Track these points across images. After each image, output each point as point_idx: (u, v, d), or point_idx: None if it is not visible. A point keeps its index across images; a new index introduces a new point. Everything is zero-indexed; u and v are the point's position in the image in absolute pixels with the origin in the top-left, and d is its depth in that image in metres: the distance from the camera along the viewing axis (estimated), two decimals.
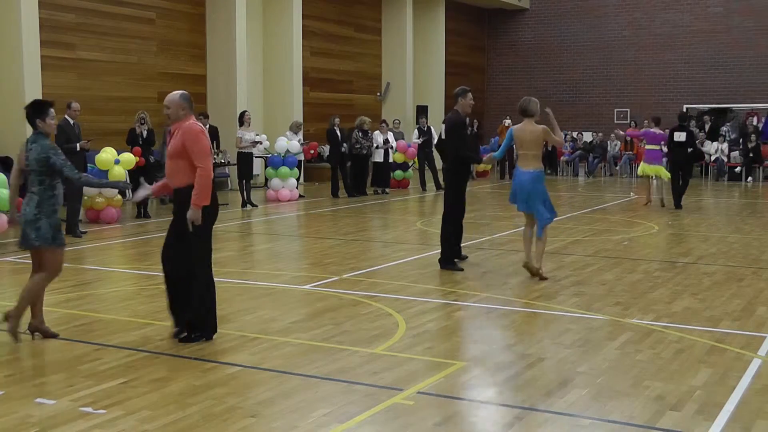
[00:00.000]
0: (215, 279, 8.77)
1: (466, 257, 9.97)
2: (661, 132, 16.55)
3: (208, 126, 16.48)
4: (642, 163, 16.84)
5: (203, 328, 6.30)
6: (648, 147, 16.67)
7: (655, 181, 17.08)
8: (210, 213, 6.22)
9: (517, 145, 9.00)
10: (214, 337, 6.33)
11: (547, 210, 8.89)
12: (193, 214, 6.06)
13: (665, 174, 16.27)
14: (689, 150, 16.21)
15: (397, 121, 21.05)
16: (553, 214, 8.97)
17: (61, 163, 6.19)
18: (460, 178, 9.73)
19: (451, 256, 9.60)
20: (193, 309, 6.27)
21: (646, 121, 17.42)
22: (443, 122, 9.86)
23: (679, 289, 8.32)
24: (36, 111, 6.31)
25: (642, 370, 5.59)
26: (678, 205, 15.98)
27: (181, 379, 5.34)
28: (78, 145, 12.08)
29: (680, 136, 15.99)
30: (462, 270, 9.42)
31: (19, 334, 6.19)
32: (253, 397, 5.05)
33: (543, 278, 8.78)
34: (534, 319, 7.13)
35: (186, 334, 6.28)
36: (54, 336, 6.39)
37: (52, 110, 6.37)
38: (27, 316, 6.34)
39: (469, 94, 9.58)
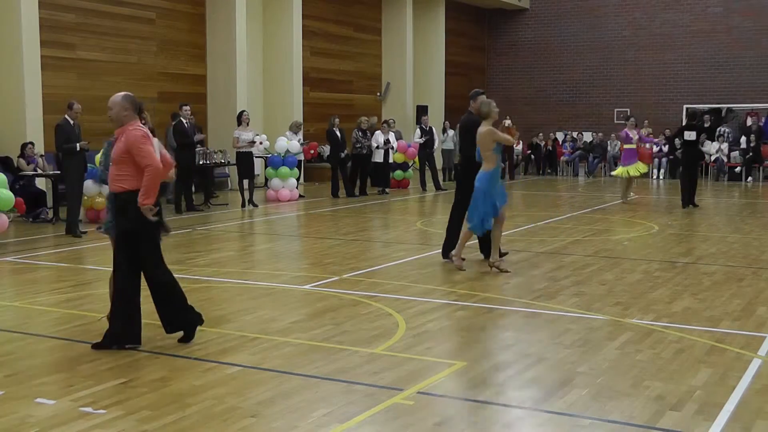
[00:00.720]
0: (216, 279, 8.82)
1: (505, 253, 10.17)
2: (634, 130, 17.32)
3: (188, 122, 16.03)
4: (621, 165, 17.47)
5: (190, 322, 6.23)
6: (625, 146, 17.29)
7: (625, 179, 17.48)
8: (153, 225, 6.08)
9: None
10: (215, 336, 6.33)
11: (477, 216, 9.00)
12: (146, 211, 5.93)
13: (634, 171, 17.11)
14: (701, 136, 16.87)
15: (392, 121, 21.03)
16: (478, 225, 9.03)
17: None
18: (471, 176, 9.92)
19: (451, 249, 9.87)
20: (172, 309, 6.20)
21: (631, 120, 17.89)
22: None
23: (679, 289, 8.32)
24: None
25: (642, 370, 5.59)
26: (691, 204, 16.11)
27: (181, 379, 5.34)
28: (78, 145, 12.08)
29: (690, 135, 16.13)
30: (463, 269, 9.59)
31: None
32: (253, 397, 5.05)
33: (460, 269, 9.15)
34: (534, 319, 7.12)
35: (182, 336, 6.23)
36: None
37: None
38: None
39: (481, 97, 9.90)
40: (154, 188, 5.96)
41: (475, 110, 9.81)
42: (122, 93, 6.21)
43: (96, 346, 6.07)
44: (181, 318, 6.24)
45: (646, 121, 27.04)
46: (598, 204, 17.12)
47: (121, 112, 6.09)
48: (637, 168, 17.01)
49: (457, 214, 9.98)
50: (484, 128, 9.10)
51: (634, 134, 17.10)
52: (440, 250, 10.23)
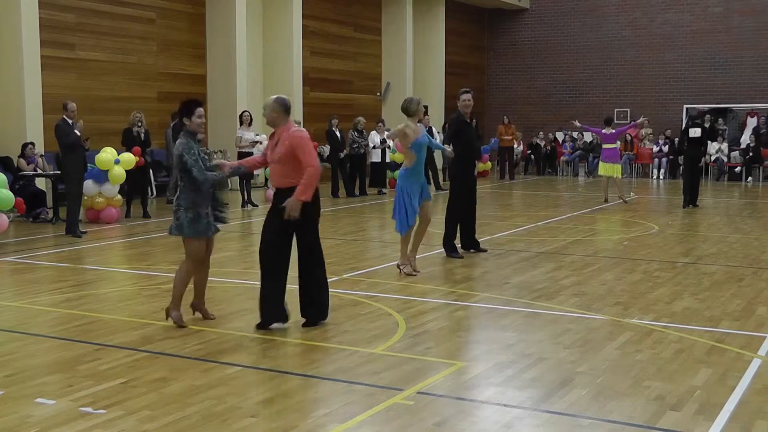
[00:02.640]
0: (216, 279, 8.81)
1: (485, 250, 10.54)
2: (613, 131, 17.51)
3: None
4: (600, 162, 17.73)
5: (326, 311, 6.79)
6: (604, 146, 17.56)
7: (608, 179, 17.57)
8: (315, 210, 6.68)
9: None
10: (215, 336, 6.33)
11: (398, 214, 8.96)
12: (293, 204, 6.40)
13: (619, 173, 17.47)
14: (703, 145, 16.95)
15: (383, 121, 21.00)
16: (400, 225, 8.96)
17: (191, 162, 6.49)
18: (461, 176, 10.29)
19: (449, 244, 10.17)
20: (321, 298, 6.76)
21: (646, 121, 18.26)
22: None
23: (679, 289, 8.32)
24: (183, 111, 6.63)
25: (642, 370, 5.59)
26: (692, 204, 16.14)
27: (181, 379, 5.34)
28: (76, 130, 12.01)
29: (695, 132, 16.24)
30: (462, 257, 9.99)
31: (183, 322, 6.72)
32: (253, 397, 5.05)
33: (410, 274, 8.96)
34: (534, 319, 7.12)
35: (308, 320, 6.73)
36: (212, 317, 6.84)
37: (199, 110, 6.66)
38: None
39: (463, 96, 10.18)
40: (312, 186, 6.47)
41: (460, 108, 10.17)
42: (274, 96, 6.75)
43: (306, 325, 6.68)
44: (313, 306, 6.74)
45: (647, 121, 27.04)
46: (598, 204, 17.12)
47: (272, 114, 6.60)
48: (615, 169, 17.17)
49: (451, 214, 10.26)
50: (400, 125, 9.19)
51: (609, 130, 17.35)
52: (441, 249, 10.25)
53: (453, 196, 10.31)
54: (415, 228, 9.14)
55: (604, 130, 17.41)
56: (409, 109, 9.12)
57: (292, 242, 6.70)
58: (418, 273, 9.05)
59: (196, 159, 6.55)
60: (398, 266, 9.11)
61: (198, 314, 6.97)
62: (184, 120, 6.63)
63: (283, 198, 6.53)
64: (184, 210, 6.59)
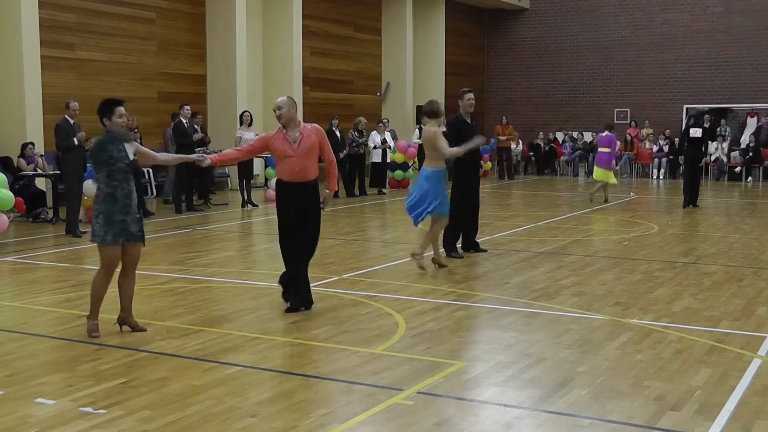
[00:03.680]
0: (216, 279, 8.82)
1: (485, 250, 10.59)
2: (610, 134, 17.63)
3: (187, 122, 15.85)
4: (595, 165, 17.95)
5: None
6: (599, 149, 17.77)
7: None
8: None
9: None
10: (215, 336, 6.33)
11: (434, 205, 9.08)
12: (330, 197, 7.32)
13: (612, 179, 17.54)
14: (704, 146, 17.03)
15: (386, 120, 21.03)
16: (416, 212, 9.15)
17: (116, 157, 6.48)
18: (463, 176, 10.31)
19: (450, 244, 10.15)
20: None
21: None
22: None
23: (679, 289, 8.32)
24: (103, 110, 6.49)
25: (642, 370, 5.59)
26: (692, 204, 16.15)
27: (181, 379, 5.34)
28: (75, 139, 12.04)
29: (696, 132, 16.29)
30: (462, 257, 10.01)
31: (97, 333, 6.42)
32: (253, 397, 5.05)
33: (422, 267, 9.09)
34: (534, 319, 7.12)
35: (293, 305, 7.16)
36: (142, 330, 6.50)
37: (119, 109, 6.50)
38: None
39: (467, 95, 10.20)
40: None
41: (461, 109, 10.18)
42: (285, 96, 7.14)
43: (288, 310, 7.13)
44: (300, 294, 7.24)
45: (647, 122, 27.06)
46: (598, 204, 17.11)
47: (290, 111, 6.96)
48: (607, 176, 17.27)
49: (456, 210, 10.18)
50: (429, 129, 9.19)
51: (606, 133, 17.51)
52: (441, 249, 10.24)
53: (456, 197, 10.27)
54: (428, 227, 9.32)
55: (602, 134, 17.56)
56: (438, 111, 9.27)
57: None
58: (441, 267, 9.38)
59: (120, 151, 6.31)
60: (413, 255, 9.24)
61: (127, 327, 6.54)
62: (104, 120, 6.35)
63: (306, 191, 6.98)
64: (95, 216, 6.33)
